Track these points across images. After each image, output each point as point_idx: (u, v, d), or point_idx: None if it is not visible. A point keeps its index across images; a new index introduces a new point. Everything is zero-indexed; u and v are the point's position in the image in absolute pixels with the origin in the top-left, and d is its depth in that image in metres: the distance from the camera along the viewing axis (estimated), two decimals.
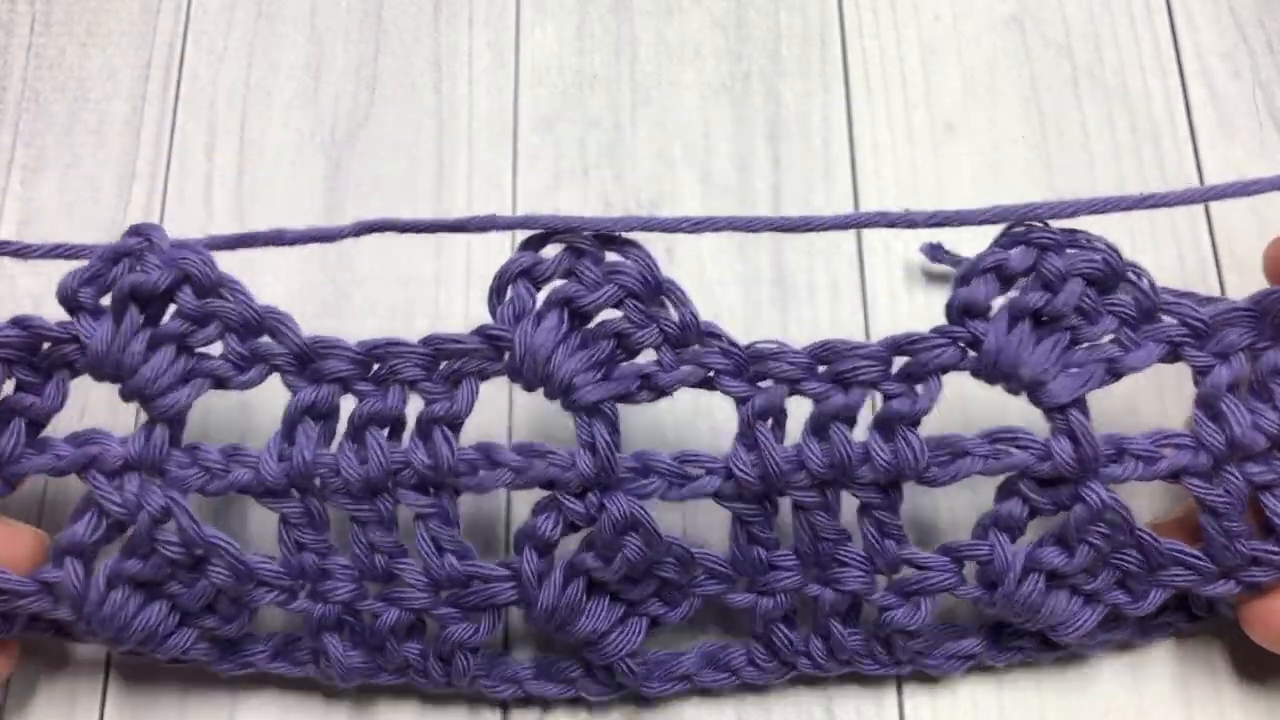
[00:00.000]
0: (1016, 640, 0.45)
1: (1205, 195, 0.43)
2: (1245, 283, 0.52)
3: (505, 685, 0.45)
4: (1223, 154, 0.55)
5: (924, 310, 0.52)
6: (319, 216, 0.54)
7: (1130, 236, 0.52)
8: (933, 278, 0.53)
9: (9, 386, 0.42)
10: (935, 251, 0.51)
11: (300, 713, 0.47)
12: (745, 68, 0.57)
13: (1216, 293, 0.52)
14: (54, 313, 0.52)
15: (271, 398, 0.43)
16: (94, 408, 0.49)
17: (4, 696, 0.47)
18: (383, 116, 0.56)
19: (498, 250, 0.53)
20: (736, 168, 0.55)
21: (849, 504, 0.42)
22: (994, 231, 0.41)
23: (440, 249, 0.54)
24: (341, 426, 0.42)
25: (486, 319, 0.52)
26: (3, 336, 0.41)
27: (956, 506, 0.49)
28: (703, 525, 0.48)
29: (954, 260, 0.51)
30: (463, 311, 0.52)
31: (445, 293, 0.53)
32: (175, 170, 0.55)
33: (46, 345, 0.42)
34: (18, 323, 0.41)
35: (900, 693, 0.47)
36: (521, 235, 0.42)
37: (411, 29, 0.58)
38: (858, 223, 0.42)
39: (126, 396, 0.41)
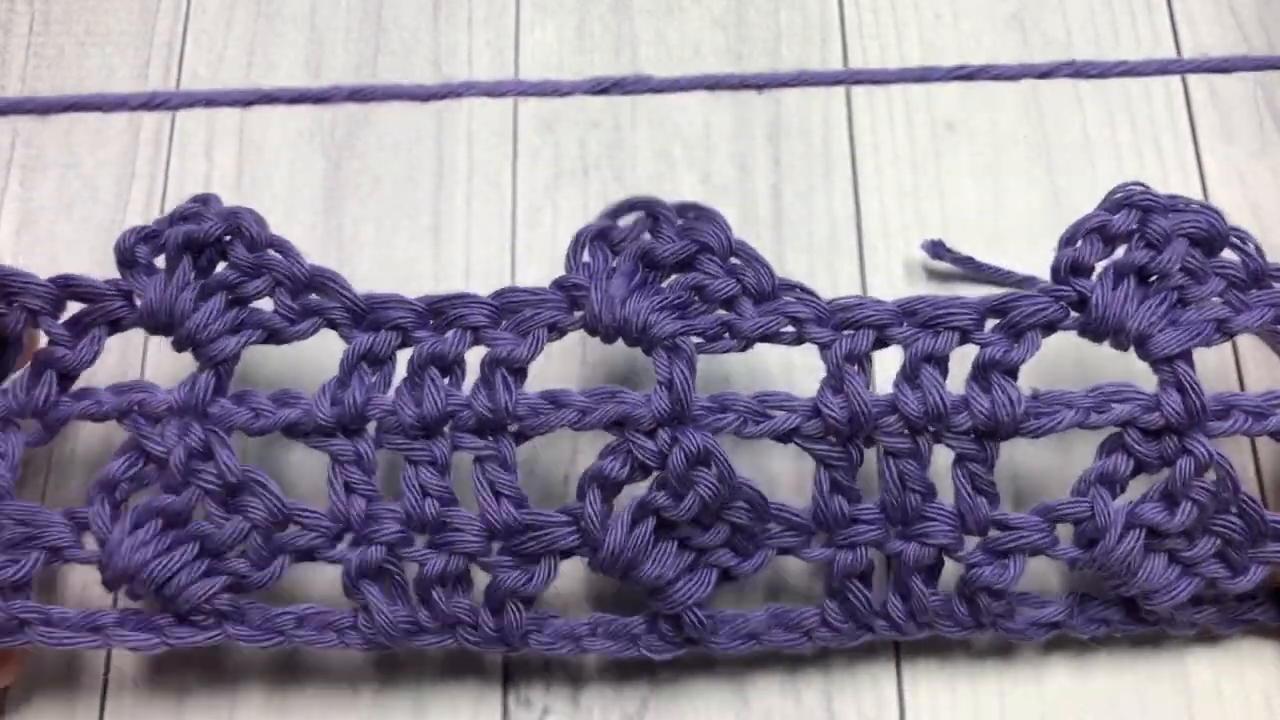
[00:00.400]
0: (1103, 611, 0.44)
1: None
2: None
3: (562, 643, 0.43)
4: (1223, 154, 0.54)
5: None
6: (319, 216, 0.54)
7: None
8: (933, 275, 0.53)
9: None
10: (937, 249, 0.51)
11: (300, 716, 0.47)
12: (745, 68, 0.57)
13: None
14: None
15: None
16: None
17: (4, 699, 0.47)
18: (383, 116, 0.56)
19: (497, 250, 0.54)
20: (736, 168, 0.55)
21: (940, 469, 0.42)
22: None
23: (440, 249, 0.54)
24: (399, 380, 0.42)
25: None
26: (37, 288, 0.42)
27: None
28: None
29: (954, 258, 0.51)
30: None
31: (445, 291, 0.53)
32: (175, 170, 0.55)
33: (86, 305, 0.43)
34: (58, 280, 0.42)
35: (901, 693, 0.47)
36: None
37: (411, 29, 0.58)
38: (851, 79, 0.43)
39: (178, 345, 0.42)
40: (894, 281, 0.53)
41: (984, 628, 0.44)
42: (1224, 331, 0.41)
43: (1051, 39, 0.57)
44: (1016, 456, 0.49)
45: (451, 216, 0.54)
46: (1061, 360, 0.48)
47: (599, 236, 0.43)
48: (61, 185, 0.55)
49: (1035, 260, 0.47)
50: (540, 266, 0.53)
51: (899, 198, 0.54)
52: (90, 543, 0.42)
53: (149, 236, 0.42)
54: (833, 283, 0.53)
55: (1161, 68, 0.44)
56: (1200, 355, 0.44)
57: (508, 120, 0.56)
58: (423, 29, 0.58)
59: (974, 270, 0.51)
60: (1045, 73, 0.44)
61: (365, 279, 0.53)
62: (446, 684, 0.47)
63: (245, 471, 0.41)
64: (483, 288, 0.53)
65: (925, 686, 0.47)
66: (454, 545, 0.41)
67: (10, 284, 0.42)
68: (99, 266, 0.53)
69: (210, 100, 0.46)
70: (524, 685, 0.47)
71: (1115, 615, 0.44)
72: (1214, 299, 0.41)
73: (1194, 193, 0.54)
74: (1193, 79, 0.56)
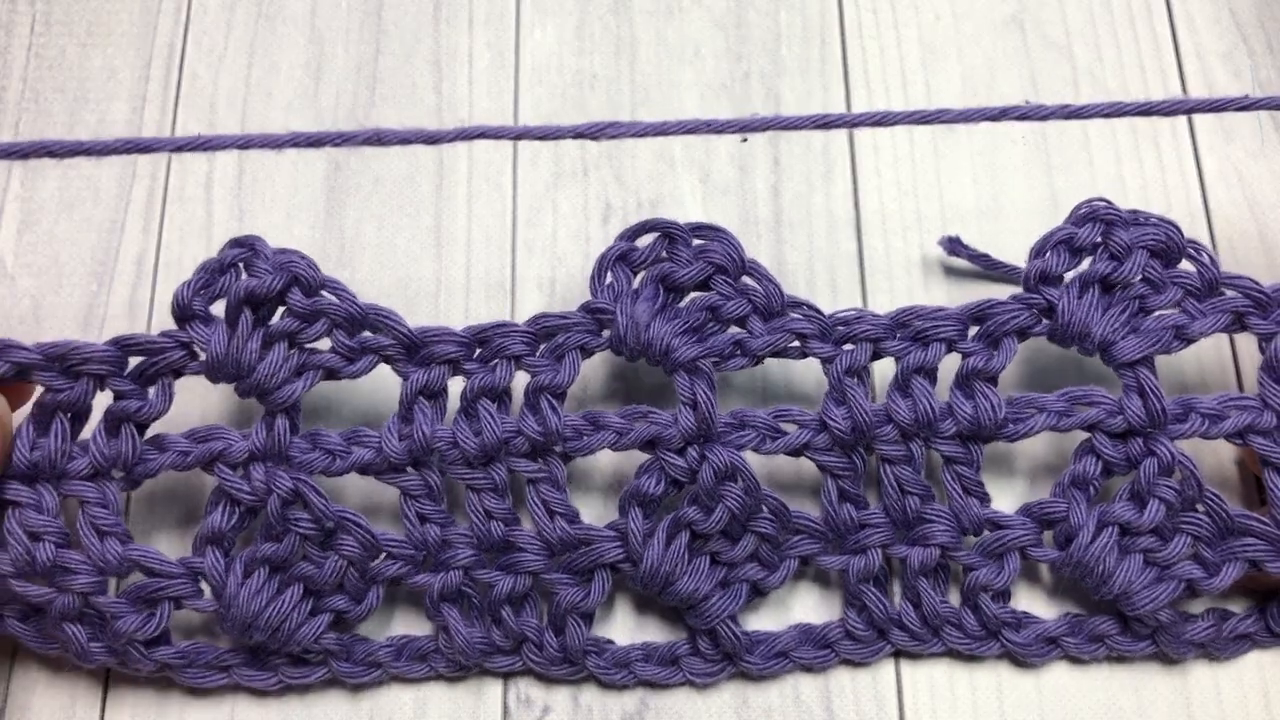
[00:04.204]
0: (1100, 627, 0.46)
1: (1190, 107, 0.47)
2: None
3: (617, 670, 0.46)
4: (1222, 154, 0.55)
5: None
6: (319, 216, 0.54)
7: None
8: (935, 274, 0.53)
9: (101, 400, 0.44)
10: (953, 245, 0.51)
11: (300, 715, 0.47)
12: (745, 68, 0.57)
13: None
14: (52, 311, 0.53)
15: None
16: None
17: (5, 698, 0.47)
18: (383, 116, 0.56)
19: (497, 250, 0.54)
20: (736, 168, 0.55)
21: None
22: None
23: (440, 248, 0.54)
24: (451, 406, 0.45)
25: (485, 322, 0.52)
26: (99, 354, 0.43)
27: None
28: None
29: (970, 254, 0.51)
30: (463, 314, 0.52)
31: (446, 295, 0.53)
32: (175, 170, 0.55)
33: (141, 358, 0.44)
34: (117, 342, 0.44)
35: (900, 692, 0.47)
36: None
37: (411, 29, 0.58)
38: (849, 122, 0.46)
39: (244, 393, 0.44)
40: (893, 280, 0.53)
41: (991, 635, 0.46)
42: (1182, 338, 0.44)
43: (1051, 40, 0.57)
44: (1036, 449, 0.50)
45: (452, 216, 0.54)
46: (1063, 362, 0.48)
47: (620, 259, 0.45)
48: (62, 185, 0.55)
49: None
50: (540, 266, 0.53)
51: (899, 197, 0.54)
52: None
53: (202, 289, 0.44)
54: (832, 282, 0.53)
55: (1169, 109, 0.46)
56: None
57: (508, 120, 0.56)
58: (423, 29, 0.58)
59: (988, 266, 0.51)
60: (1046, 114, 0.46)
61: (366, 279, 0.53)
62: (447, 683, 0.47)
63: (337, 512, 0.44)
64: (483, 287, 0.53)
65: (925, 686, 0.47)
66: (518, 564, 0.45)
67: (73, 357, 0.43)
68: (99, 267, 0.53)
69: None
70: (524, 684, 0.47)
71: (1112, 629, 0.46)
72: (1172, 308, 0.44)
73: (1193, 192, 0.54)
74: (1192, 78, 0.56)
